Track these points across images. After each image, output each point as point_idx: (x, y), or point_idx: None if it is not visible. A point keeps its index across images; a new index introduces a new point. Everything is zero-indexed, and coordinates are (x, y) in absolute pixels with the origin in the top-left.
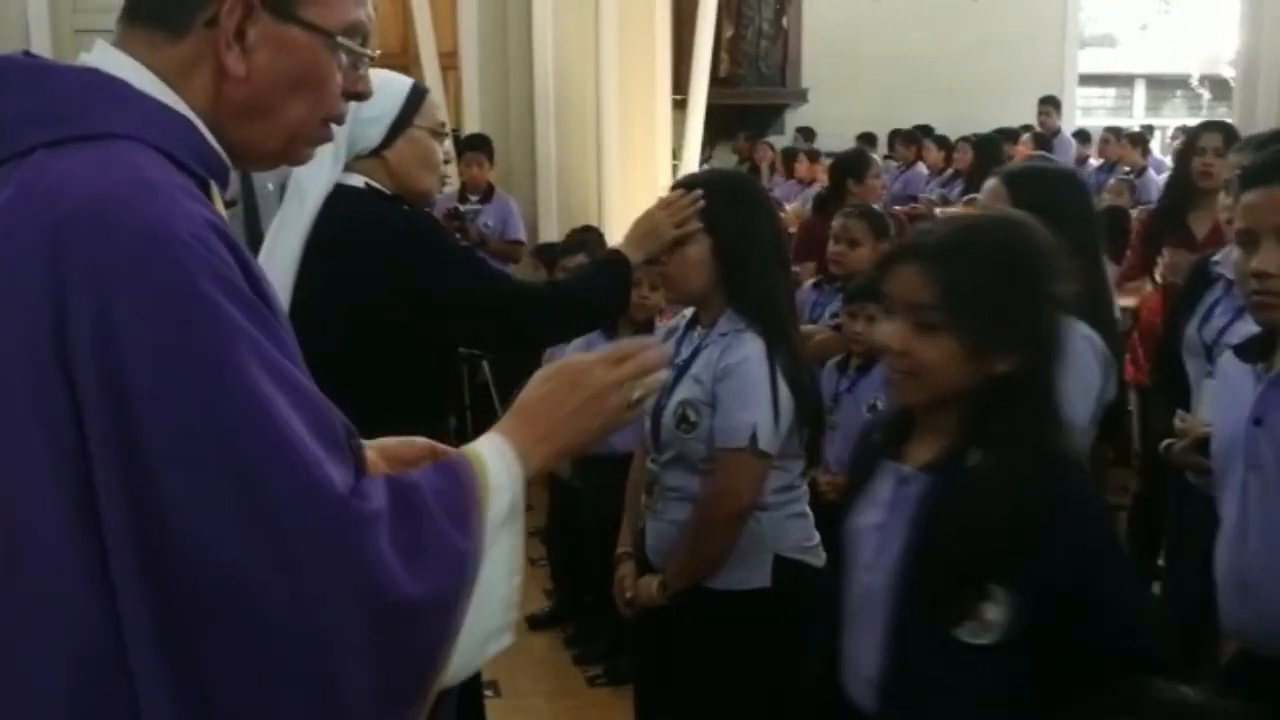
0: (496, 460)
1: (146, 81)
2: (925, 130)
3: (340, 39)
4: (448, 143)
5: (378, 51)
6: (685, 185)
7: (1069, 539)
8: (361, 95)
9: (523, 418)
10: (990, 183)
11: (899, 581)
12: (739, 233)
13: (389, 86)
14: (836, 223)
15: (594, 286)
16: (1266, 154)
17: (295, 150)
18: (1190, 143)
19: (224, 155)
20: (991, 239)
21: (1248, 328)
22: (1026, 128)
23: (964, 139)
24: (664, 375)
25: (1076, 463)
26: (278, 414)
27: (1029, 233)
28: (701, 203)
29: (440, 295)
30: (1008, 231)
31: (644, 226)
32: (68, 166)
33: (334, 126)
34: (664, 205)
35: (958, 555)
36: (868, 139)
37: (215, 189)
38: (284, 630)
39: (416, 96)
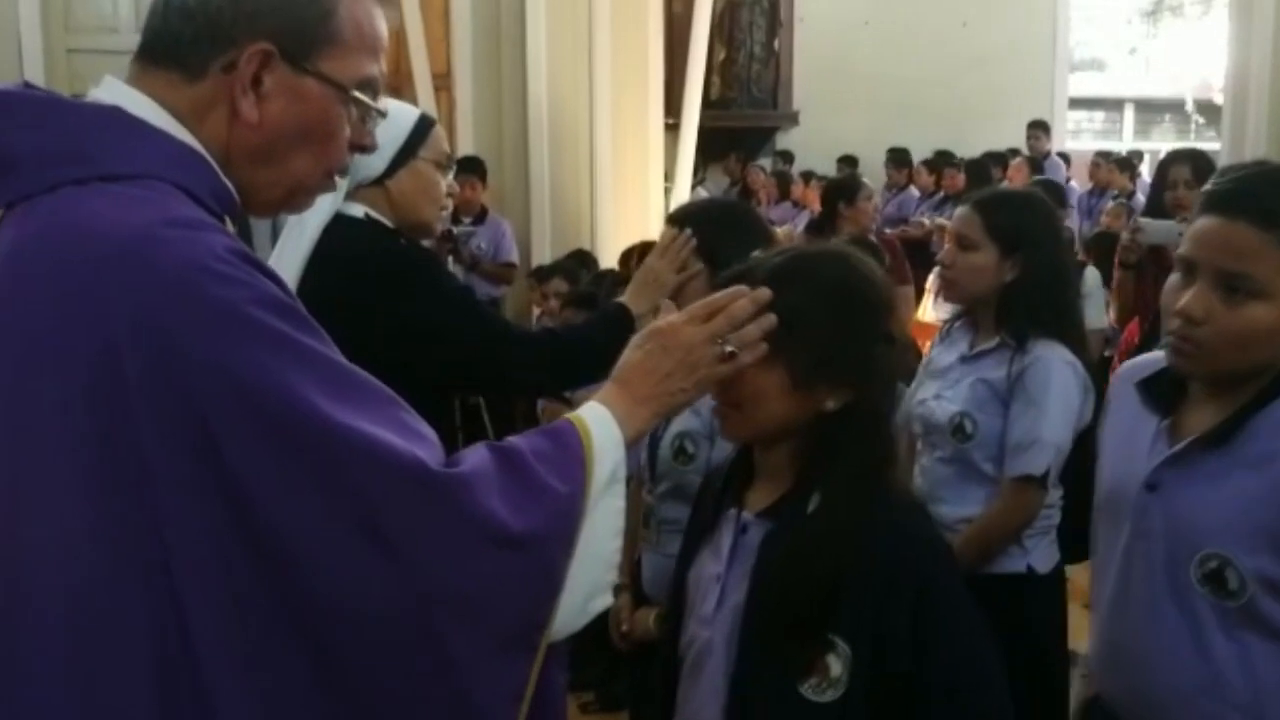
0: (599, 425)
1: (164, 120)
2: (906, 154)
3: (354, 93)
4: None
5: (388, 108)
6: (678, 221)
7: (909, 583)
8: (367, 149)
9: (620, 385)
10: (961, 209)
11: (740, 634)
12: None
13: (396, 116)
14: None
15: (592, 336)
16: (1231, 179)
17: (297, 199)
18: (1161, 175)
19: (234, 192)
20: (825, 269)
21: None
22: (1015, 151)
23: (950, 163)
24: (769, 321)
25: (915, 503)
26: (340, 412)
27: (862, 267)
28: (693, 241)
29: (434, 327)
30: (841, 264)
31: (645, 278)
32: (98, 207)
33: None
34: (661, 253)
35: (796, 605)
36: (849, 162)
37: (229, 223)
38: (395, 616)
39: (424, 127)
